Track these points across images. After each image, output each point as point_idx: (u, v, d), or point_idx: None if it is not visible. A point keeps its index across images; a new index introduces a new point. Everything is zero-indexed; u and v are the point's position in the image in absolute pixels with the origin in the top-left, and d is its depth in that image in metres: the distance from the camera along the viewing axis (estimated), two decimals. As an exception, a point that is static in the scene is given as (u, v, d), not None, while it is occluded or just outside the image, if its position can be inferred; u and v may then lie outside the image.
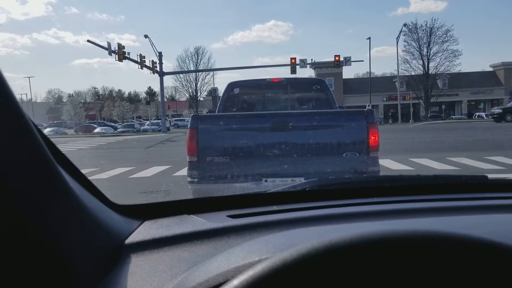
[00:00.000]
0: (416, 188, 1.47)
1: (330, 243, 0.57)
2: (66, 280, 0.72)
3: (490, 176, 1.56)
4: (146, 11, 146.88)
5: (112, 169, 12.10)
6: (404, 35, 54.54)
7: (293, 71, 35.06)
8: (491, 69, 62.98)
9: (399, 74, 53.53)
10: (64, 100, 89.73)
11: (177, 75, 69.77)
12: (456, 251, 0.59)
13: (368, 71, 57.40)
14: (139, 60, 34.83)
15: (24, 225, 0.66)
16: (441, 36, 54.99)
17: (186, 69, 70.46)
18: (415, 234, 0.60)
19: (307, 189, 1.41)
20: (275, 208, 1.24)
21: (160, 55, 39.90)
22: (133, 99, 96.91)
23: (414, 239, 0.59)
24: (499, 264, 0.59)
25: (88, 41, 32.28)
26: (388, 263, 0.58)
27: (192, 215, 1.20)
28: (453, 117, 56.43)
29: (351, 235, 0.58)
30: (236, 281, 0.56)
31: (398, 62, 52.51)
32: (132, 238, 1.00)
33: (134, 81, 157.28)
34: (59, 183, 0.73)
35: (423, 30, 55.54)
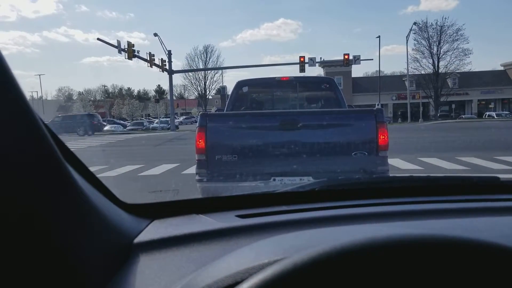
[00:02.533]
0: (426, 189, 1.45)
1: (342, 247, 0.56)
2: (75, 279, 0.72)
3: (501, 176, 1.54)
4: (155, 9, 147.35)
5: (122, 166, 12.17)
6: (414, 33, 54.23)
7: (302, 69, 34.99)
8: (502, 68, 62.34)
9: (409, 73, 53.20)
10: (74, 98, 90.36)
11: (186, 73, 69.88)
12: (471, 257, 0.58)
13: (378, 69, 57.10)
14: (148, 59, 34.91)
15: (33, 223, 0.66)
16: (451, 34, 54.56)
17: (195, 68, 70.39)
18: (427, 239, 0.59)
19: (316, 189, 1.40)
20: (284, 208, 1.23)
21: (169, 54, 40.01)
22: (142, 97, 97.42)
23: (426, 244, 0.58)
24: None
25: (98, 39, 32.42)
26: (400, 268, 0.57)
27: (200, 215, 1.19)
28: (463, 116, 55.99)
29: (363, 240, 0.57)
30: (246, 285, 0.56)
31: (408, 60, 52.20)
32: (141, 238, 1.00)
33: (144, 79, 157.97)
34: (67, 181, 0.73)
35: (433, 28, 55.09)
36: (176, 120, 48.40)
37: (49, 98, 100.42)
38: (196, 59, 71.76)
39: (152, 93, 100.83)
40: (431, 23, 55.91)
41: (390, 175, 4.86)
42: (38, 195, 0.66)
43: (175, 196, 7.57)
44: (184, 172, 10.60)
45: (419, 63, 55.52)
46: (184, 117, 73.49)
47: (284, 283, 0.54)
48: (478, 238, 0.60)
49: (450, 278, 0.57)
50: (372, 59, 43.37)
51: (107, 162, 13.46)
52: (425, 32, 55.25)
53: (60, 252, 0.70)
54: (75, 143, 23.88)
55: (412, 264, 0.57)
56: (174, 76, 42.73)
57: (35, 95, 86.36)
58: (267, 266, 0.57)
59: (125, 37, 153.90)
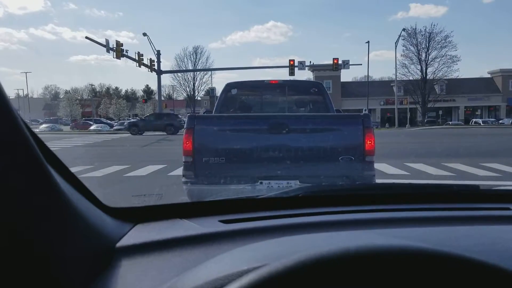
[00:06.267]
0: (408, 197, 1.47)
1: (316, 256, 0.57)
2: (56, 284, 0.72)
3: (484, 183, 1.57)
4: (145, 8, 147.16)
5: (107, 167, 12.08)
6: (403, 39, 54.81)
7: (292, 73, 35.04)
8: (489, 75, 63.16)
9: (397, 79, 53.68)
10: (61, 96, 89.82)
11: (175, 74, 69.57)
12: (437, 268, 0.59)
13: (366, 74, 57.41)
14: (137, 58, 34.66)
15: (12, 227, 0.65)
16: (440, 41, 55.17)
17: (184, 68, 70.13)
18: (397, 250, 0.60)
19: (300, 195, 1.41)
20: (267, 214, 1.23)
21: (158, 54, 39.77)
22: (130, 97, 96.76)
23: (396, 255, 0.59)
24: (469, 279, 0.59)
25: (87, 37, 32.10)
26: (372, 278, 0.58)
27: (184, 220, 1.19)
28: (450, 122, 56.61)
29: (337, 250, 0.58)
30: None
31: (396, 66, 52.75)
32: (123, 242, 0.99)
33: (132, 79, 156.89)
34: (49, 184, 0.72)
35: (422, 35, 55.74)
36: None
37: (35, 96, 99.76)
38: (185, 60, 71.52)
39: (140, 93, 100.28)
40: (420, 29, 56.54)
41: (376, 180, 4.89)
42: (18, 198, 0.66)
43: (159, 200, 7.52)
44: (171, 173, 10.56)
45: (408, 69, 56.18)
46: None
47: None
48: (447, 250, 0.61)
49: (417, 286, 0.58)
50: (361, 64, 43.86)
51: (92, 162, 13.34)
52: (414, 38, 55.91)
53: (40, 256, 0.70)
54: (61, 142, 23.65)
55: (383, 274, 0.58)
56: (163, 76, 42.57)
57: (21, 93, 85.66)
58: (246, 274, 0.58)
59: (113, 36, 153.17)
